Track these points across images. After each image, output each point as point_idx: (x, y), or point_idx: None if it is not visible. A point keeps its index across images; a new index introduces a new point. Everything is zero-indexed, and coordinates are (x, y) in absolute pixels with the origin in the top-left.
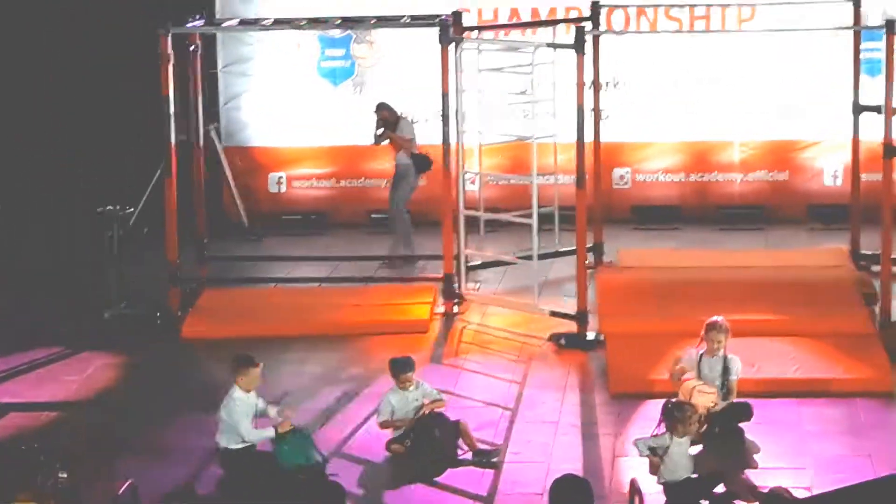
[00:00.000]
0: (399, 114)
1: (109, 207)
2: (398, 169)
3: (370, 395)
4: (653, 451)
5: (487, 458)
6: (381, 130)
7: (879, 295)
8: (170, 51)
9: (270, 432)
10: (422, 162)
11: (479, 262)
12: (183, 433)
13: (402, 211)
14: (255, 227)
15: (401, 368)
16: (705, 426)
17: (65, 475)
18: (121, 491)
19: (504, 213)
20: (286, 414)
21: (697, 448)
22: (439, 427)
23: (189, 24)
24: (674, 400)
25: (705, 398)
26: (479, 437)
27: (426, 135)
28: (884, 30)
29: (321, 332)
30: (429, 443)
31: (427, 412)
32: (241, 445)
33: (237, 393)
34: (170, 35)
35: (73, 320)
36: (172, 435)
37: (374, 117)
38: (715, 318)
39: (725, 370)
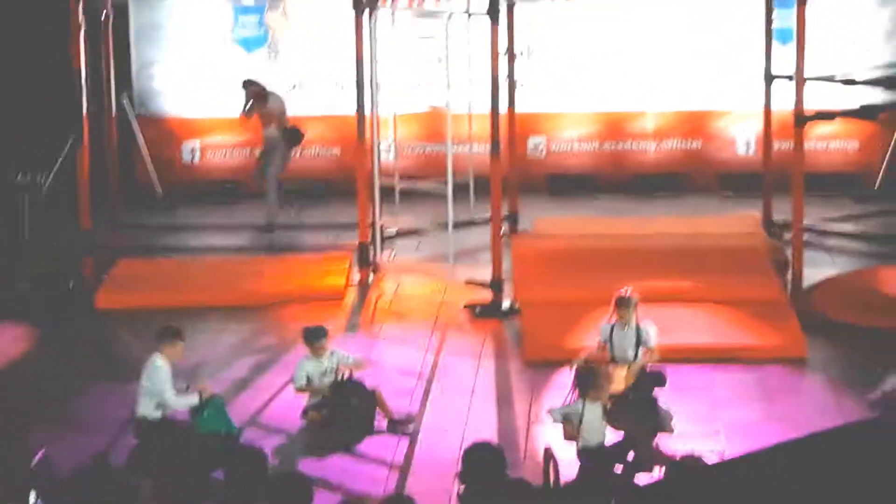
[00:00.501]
0: (266, 89)
1: (19, 176)
2: (267, 143)
3: (285, 363)
4: (567, 419)
5: (402, 427)
6: (249, 105)
7: (791, 262)
8: (81, 18)
9: (194, 398)
10: (292, 136)
11: (394, 231)
12: (97, 404)
13: (273, 184)
14: (168, 196)
15: (314, 336)
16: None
17: None
18: (34, 461)
19: (419, 181)
20: (200, 388)
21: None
22: (357, 395)
23: None
24: (585, 366)
25: (616, 384)
26: (395, 406)
27: (341, 104)
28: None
29: (236, 303)
30: (346, 411)
31: (347, 375)
32: (158, 415)
33: (160, 361)
34: (81, 2)
35: None
36: (86, 405)
37: (245, 92)
38: (621, 291)
39: (639, 340)
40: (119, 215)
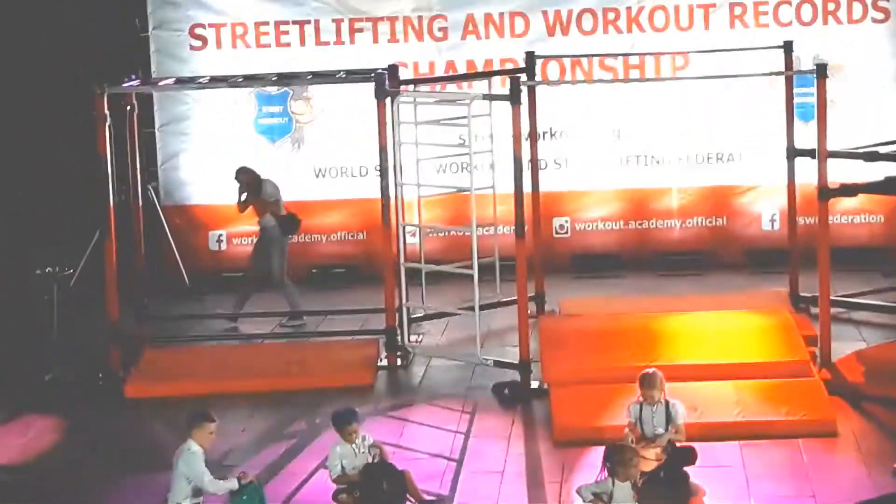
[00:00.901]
0: (261, 176)
1: (48, 269)
2: (264, 233)
3: (316, 449)
4: (597, 497)
5: None
6: (244, 196)
7: (819, 336)
8: (106, 111)
9: (233, 483)
10: (288, 224)
11: (421, 315)
12: (129, 493)
13: (285, 282)
14: (195, 284)
15: (344, 421)
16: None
17: None
18: None
19: (445, 264)
20: (240, 474)
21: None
22: (387, 478)
23: (125, 84)
24: (614, 443)
25: (647, 464)
26: (425, 489)
27: (366, 189)
28: (815, 74)
29: (265, 389)
30: (377, 494)
31: (377, 457)
32: (192, 502)
33: (194, 447)
34: (106, 95)
35: (12, 384)
36: (119, 495)
37: (240, 181)
38: (646, 370)
39: (668, 417)
40: (147, 305)
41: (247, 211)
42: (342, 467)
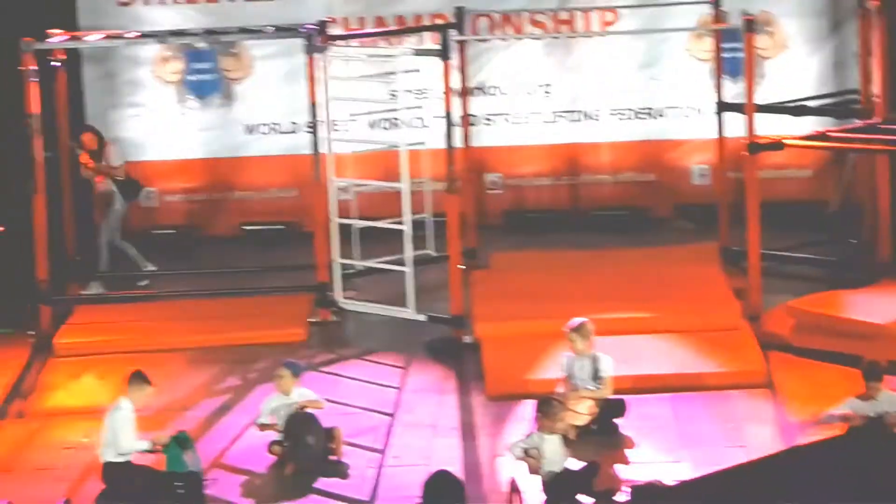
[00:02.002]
0: (104, 138)
1: None
2: (104, 196)
3: (248, 404)
4: (527, 453)
5: (339, 472)
6: (84, 157)
7: (749, 290)
8: (34, 67)
9: (145, 444)
10: (129, 189)
11: (353, 271)
12: (59, 451)
13: (118, 245)
14: (127, 242)
15: (296, 369)
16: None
17: None
18: None
19: (377, 220)
20: (153, 438)
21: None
22: (313, 434)
23: (52, 40)
24: (541, 397)
25: (579, 418)
26: (359, 443)
27: (297, 145)
28: (743, 29)
29: (197, 345)
30: (302, 447)
31: (300, 408)
32: (122, 458)
33: (124, 403)
34: (33, 51)
35: None
36: (48, 453)
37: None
38: (574, 321)
39: (596, 371)
40: (76, 263)
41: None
42: (272, 417)
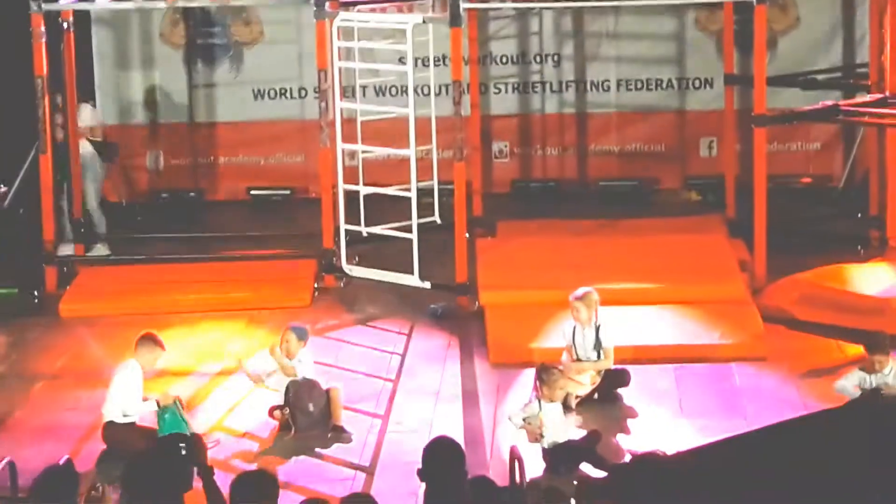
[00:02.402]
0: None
1: None
2: (81, 159)
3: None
4: (527, 421)
5: (342, 437)
6: (60, 119)
7: (754, 262)
8: (42, 28)
9: (152, 405)
10: (107, 150)
11: (359, 237)
12: (62, 410)
13: (96, 209)
14: (133, 204)
15: (301, 334)
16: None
17: None
18: None
19: (383, 187)
20: (157, 398)
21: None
22: (314, 401)
23: (61, 1)
24: (541, 365)
25: (580, 388)
26: (361, 409)
27: (305, 111)
28: (754, 1)
29: (201, 309)
30: (303, 416)
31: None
32: (126, 419)
33: (131, 365)
34: (42, 11)
35: None
36: (51, 412)
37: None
38: (579, 290)
39: (598, 341)
40: (81, 224)
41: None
42: (266, 374)
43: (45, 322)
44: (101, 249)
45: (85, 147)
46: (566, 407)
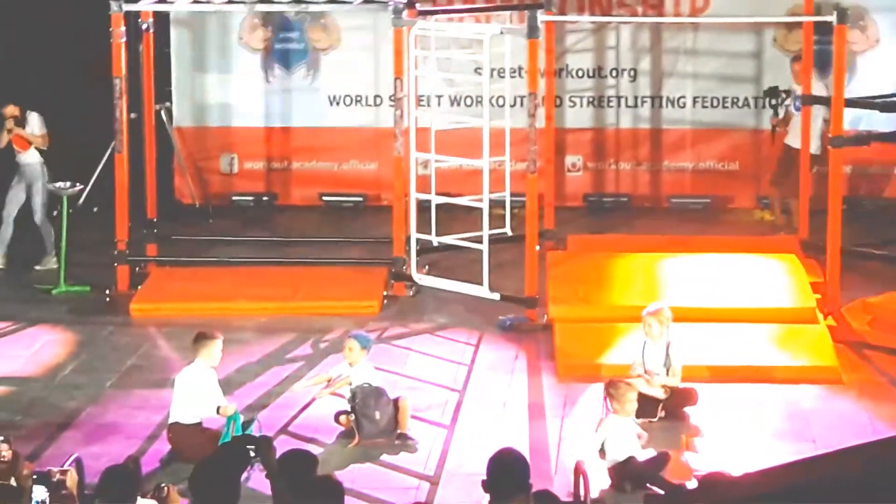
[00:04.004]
0: (26, 109)
1: (59, 184)
2: (27, 169)
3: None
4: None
5: (403, 445)
6: (8, 129)
7: (827, 284)
8: (122, 27)
9: (211, 411)
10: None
11: (429, 246)
12: (129, 409)
13: (45, 222)
14: (206, 207)
15: (364, 342)
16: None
17: (7, 451)
18: (66, 466)
19: (455, 197)
20: (222, 411)
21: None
22: (380, 408)
23: (141, 1)
24: (611, 380)
25: (650, 401)
26: (427, 418)
27: (380, 118)
28: (835, 21)
29: (271, 313)
30: (369, 424)
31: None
32: (192, 421)
33: (197, 366)
34: (122, 12)
35: (21, 297)
36: (119, 411)
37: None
38: (652, 305)
39: (667, 358)
40: (155, 225)
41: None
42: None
43: (115, 321)
44: (49, 262)
45: (32, 158)
46: (649, 419)
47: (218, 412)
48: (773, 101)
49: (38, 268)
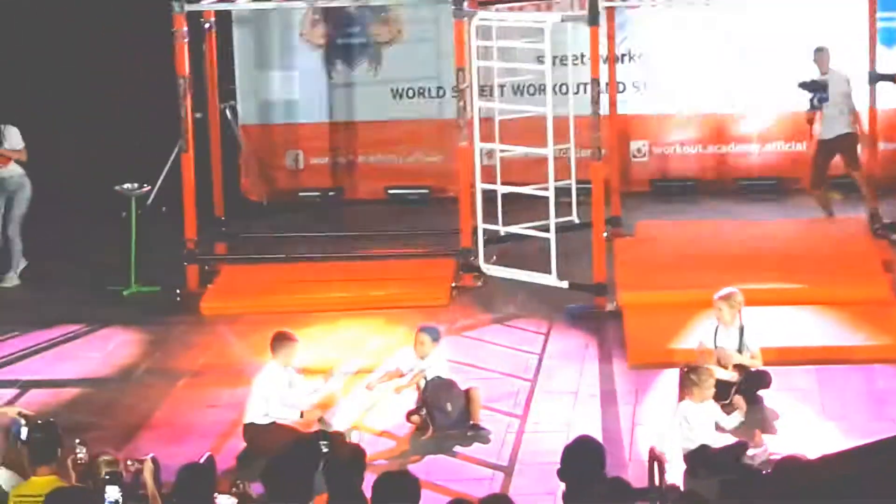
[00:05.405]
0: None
1: (126, 185)
2: (9, 182)
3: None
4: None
5: (476, 435)
6: None
7: None
8: (184, 27)
9: (295, 413)
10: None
11: (496, 236)
12: (203, 408)
13: (17, 236)
14: (273, 204)
15: (434, 334)
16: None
17: (84, 451)
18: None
19: (521, 186)
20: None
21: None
22: (452, 401)
23: (203, 1)
24: (689, 366)
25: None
26: (498, 408)
27: (443, 109)
28: None
29: (341, 307)
30: (441, 416)
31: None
32: (266, 420)
33: (273, 367)
34: (184, 12)
35: (92, 298)
36: (193, 410)
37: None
38: (724, 290)
39: (741, 342)
40: (223, 223)
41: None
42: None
43: (186, 320)
44: (11, 280)
45: (14, 171)
46: (722, 402)
47: (302, 417)
48: (812, 96)
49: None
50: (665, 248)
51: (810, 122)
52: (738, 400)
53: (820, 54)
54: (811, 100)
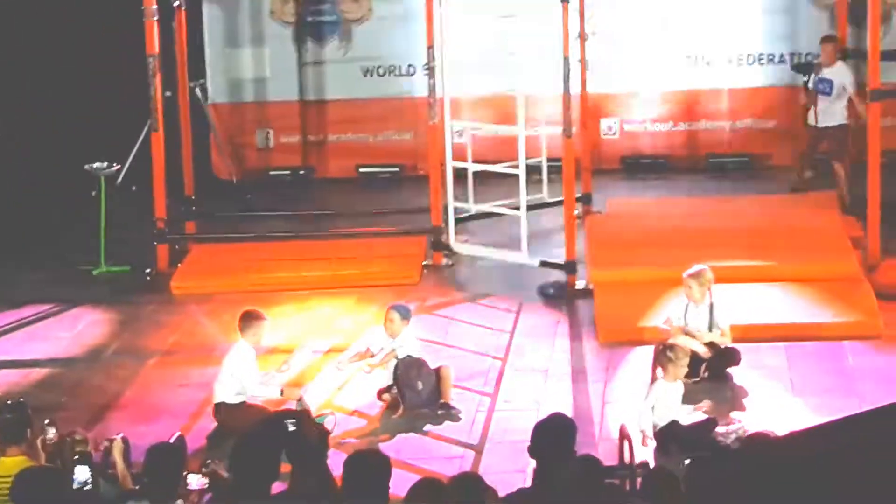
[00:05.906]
0: None
1: (96, 164)
2: None
3: (359, 347)
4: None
5: (451, 415)
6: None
7: (867, 239)
8: (154, 5)
9: (275, 391)
10: None
11: (467, 214)
12: (173, 387)
13: None
14: (243, 182)
15: (405, 312)
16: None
17: (53, 431)
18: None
19: (492, 164)
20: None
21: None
22: (422, 379)
23: None
24: (664, 343)
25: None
26: (469, 387)
27: (414, 87)
28: None
29: (310, 286)
30: (411, 395)
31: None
32: (237, 399)
33: (243, 346)
34: None
35: (62, 278)
36: (163, 389)
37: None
38: (693, 267)
39: (711, 320)
40: (193, 202)
41: None
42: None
43: (156, 299)
44: None
45: None
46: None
47: (282, 395)
48: (805, 78)
49: None
50: (636, 226)
51: (805, 106)
52: (709, 405)
53: (825, 45)
54: (805, 82)
